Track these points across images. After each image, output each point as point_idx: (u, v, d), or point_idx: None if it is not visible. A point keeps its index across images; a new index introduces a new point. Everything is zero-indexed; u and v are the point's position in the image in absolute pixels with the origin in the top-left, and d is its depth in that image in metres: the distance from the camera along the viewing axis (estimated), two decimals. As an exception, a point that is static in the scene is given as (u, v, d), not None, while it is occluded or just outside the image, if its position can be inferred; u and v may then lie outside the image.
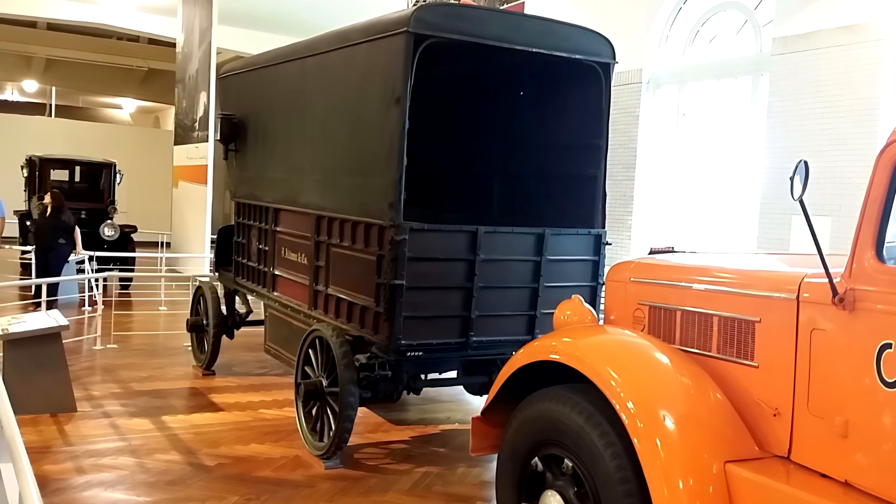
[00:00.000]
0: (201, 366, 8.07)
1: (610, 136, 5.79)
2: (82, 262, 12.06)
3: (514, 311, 5.48)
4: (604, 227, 5.78)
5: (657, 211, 10.04)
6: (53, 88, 27.73)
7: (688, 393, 3.25)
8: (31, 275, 11.78)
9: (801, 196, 2.82)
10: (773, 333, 3.14)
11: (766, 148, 8.20)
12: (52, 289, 10.33)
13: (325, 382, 5.50)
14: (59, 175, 15.76)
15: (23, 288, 12.19)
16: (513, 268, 5.43)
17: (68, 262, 11.53)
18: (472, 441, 4.14)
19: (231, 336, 8.04)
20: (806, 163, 2.86)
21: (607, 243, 5.79)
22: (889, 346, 2.63)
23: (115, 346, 9.11)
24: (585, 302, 4.24)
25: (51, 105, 28.45)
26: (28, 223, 14.10)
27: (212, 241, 11.89)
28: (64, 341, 6.78)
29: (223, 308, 7.92)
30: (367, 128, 5.44)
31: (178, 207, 16.67)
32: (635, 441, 3.03)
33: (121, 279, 13.07)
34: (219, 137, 7.97)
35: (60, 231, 11.20)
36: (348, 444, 5.51)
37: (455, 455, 5.85)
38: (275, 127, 7.07)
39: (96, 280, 10.70)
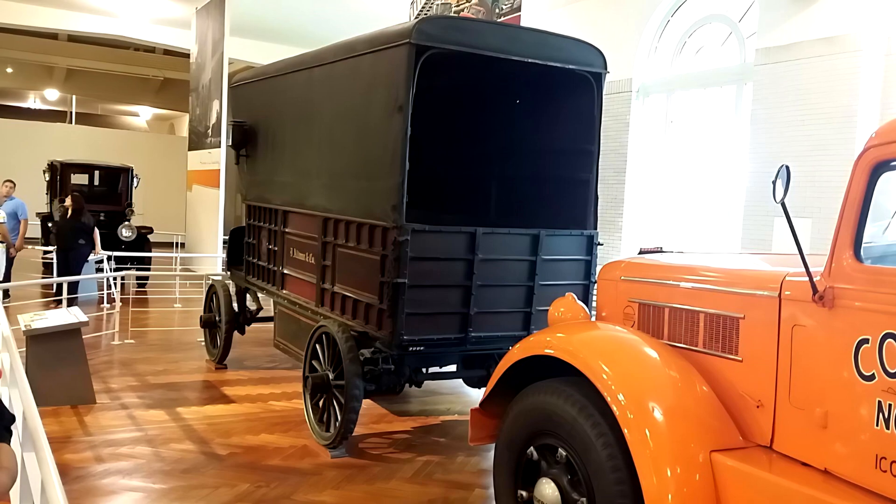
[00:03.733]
0: (214, 360, 8.07)
1: (601, 141, 5.79)
2: (101, 261, 12.06)
3: (510, 308, 5.47)
4: (596, 229, 5.77)
5: (646, 213, 10.04)
6: (74, 97, 27.71)
7: (675, 386, 3.24)
8: (52, 274, 11.77)
9: (783, 199, 2.81)
10: (756, 329, 3.14)
11: (750, 153, 8.20)
12: (73, 287, 10.34)
13: (331, 376, 5.50)
14: (79, 179, 15.76)
15: (44, 286, 12.19)
16: (509, 267, 5.42)
17: (88, 261, 11.52)
18: (470, 431, 4.14)
19: (242, 332, 8.04)
20: (787, 167, 2.86)
21: (599, 244, 5.78)
22: (866, 341, 2.63)
23: (132, 341, 9.11)
24: (578, 299, 4.24)
25: (71, 113, 28.42)
26: (49, 225, 14.10)
27: (224, 242, 11.88)
28: (83, 337, 6.78)
29: (235, 305, 7.91)
30: (372, 134, 5.44)
31: (192, 210, 16.67)
32: (626, 431, 3.03)
33: (138, 278, 13.09)
34: (231, 143, 7.98)
35: (80, 232, 11.19)
36: (353, 434, 5.51)
37: (455, 444, 5.85)
38: (284, 133, 7.07)
39: (114, 279, 10.66)
